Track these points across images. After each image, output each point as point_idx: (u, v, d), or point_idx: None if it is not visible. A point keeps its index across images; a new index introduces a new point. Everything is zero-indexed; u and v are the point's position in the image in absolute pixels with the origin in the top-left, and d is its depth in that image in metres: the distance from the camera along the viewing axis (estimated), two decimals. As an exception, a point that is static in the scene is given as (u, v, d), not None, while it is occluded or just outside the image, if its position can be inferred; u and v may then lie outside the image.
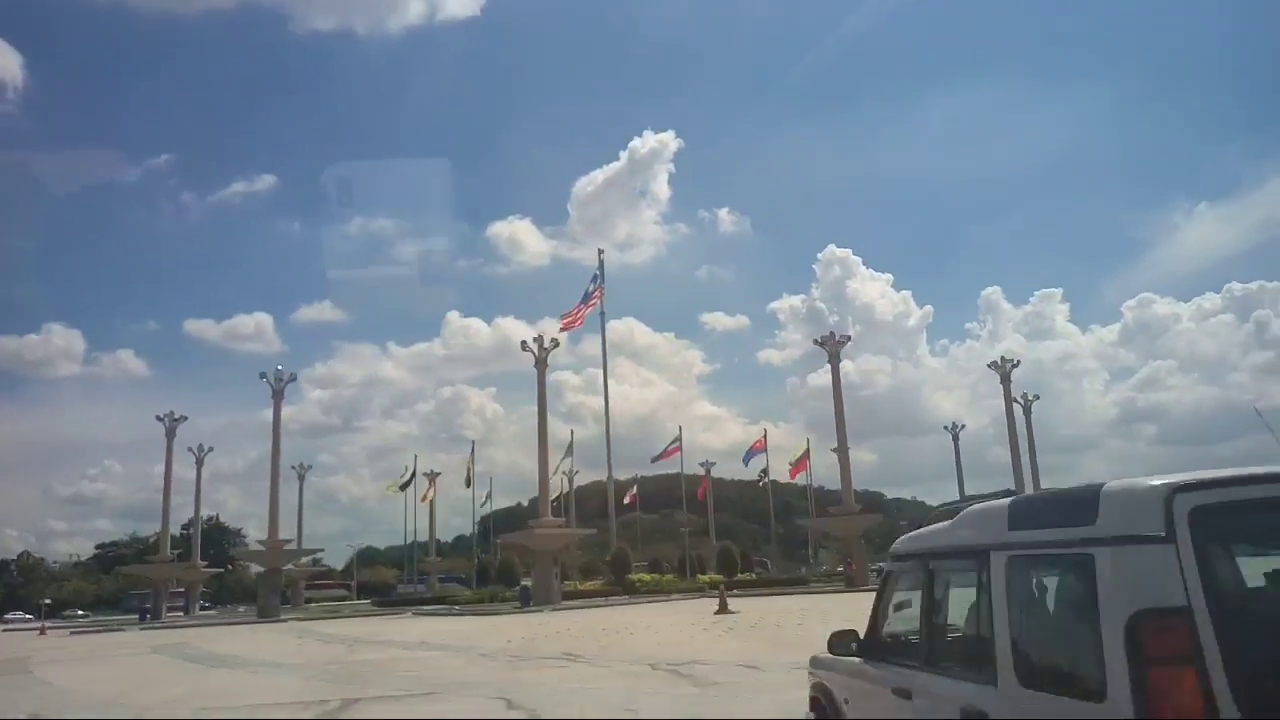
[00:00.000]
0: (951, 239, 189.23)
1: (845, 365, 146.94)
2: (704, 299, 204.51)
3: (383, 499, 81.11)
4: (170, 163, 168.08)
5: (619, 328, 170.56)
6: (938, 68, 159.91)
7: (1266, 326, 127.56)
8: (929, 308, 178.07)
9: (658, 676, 14.21)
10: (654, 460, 72.34)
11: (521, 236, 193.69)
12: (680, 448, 69.59)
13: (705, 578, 51.49)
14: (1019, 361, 59.14)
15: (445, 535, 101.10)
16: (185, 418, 59.19)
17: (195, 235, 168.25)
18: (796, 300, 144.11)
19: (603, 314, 50.20)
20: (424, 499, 73.78)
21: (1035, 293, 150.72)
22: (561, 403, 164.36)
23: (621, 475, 72.06)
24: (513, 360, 62.76)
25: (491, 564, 62.08)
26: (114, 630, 44.43)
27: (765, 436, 68.71)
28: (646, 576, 50.43)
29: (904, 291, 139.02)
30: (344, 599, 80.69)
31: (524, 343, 46.89)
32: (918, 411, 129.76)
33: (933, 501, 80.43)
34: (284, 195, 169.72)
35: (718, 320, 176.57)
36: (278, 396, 51.92)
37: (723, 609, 30.89)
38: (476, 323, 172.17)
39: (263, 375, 52.48)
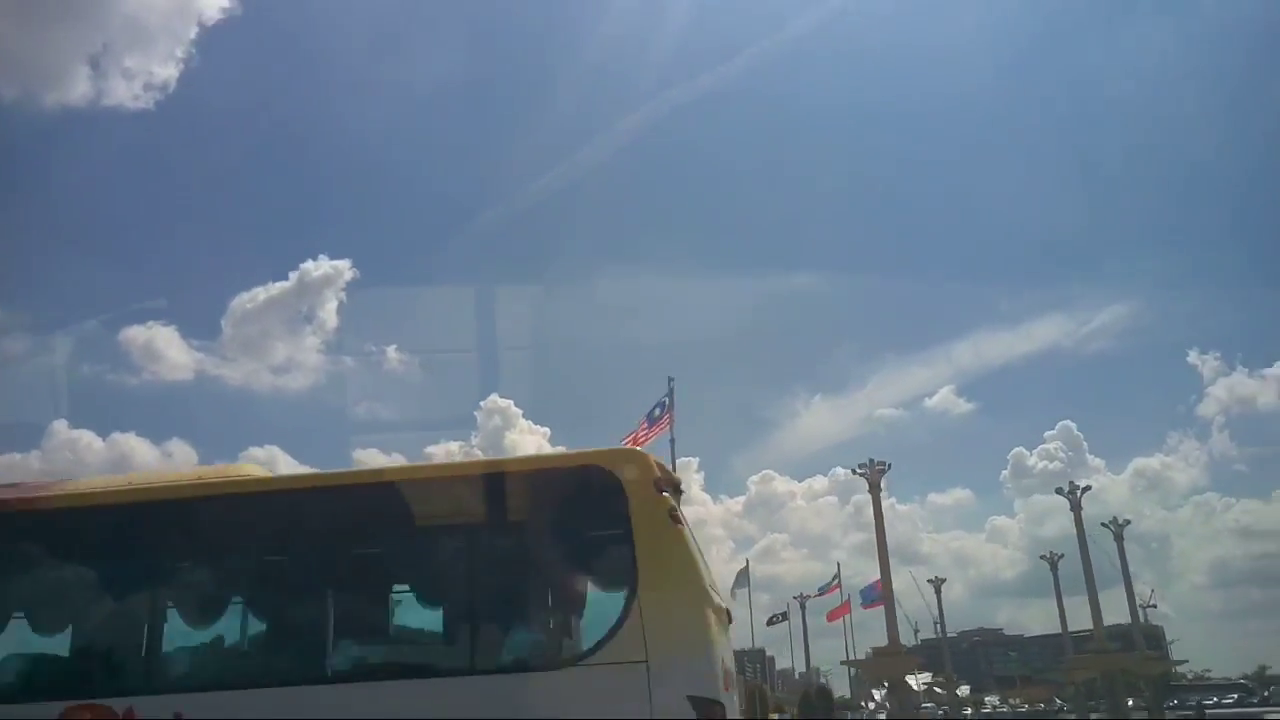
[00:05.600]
0: (607, 400, 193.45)
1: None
2: (360, 435, 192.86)
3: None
4: None
5: (260, 455, 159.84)
6: (614, 244, 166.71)
7: (862, 510, 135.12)
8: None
9: None
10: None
11: (161, 345, 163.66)
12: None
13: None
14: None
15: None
16: None
17: None
18: (455, 445, 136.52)
19: (672, 441, 46.98)
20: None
21: (675, 459, 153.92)
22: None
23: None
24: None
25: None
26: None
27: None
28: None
29: (559, 447, 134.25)
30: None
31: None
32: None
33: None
34: None
35: (371, 458, 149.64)
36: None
37: None
38: (88, 436, 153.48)
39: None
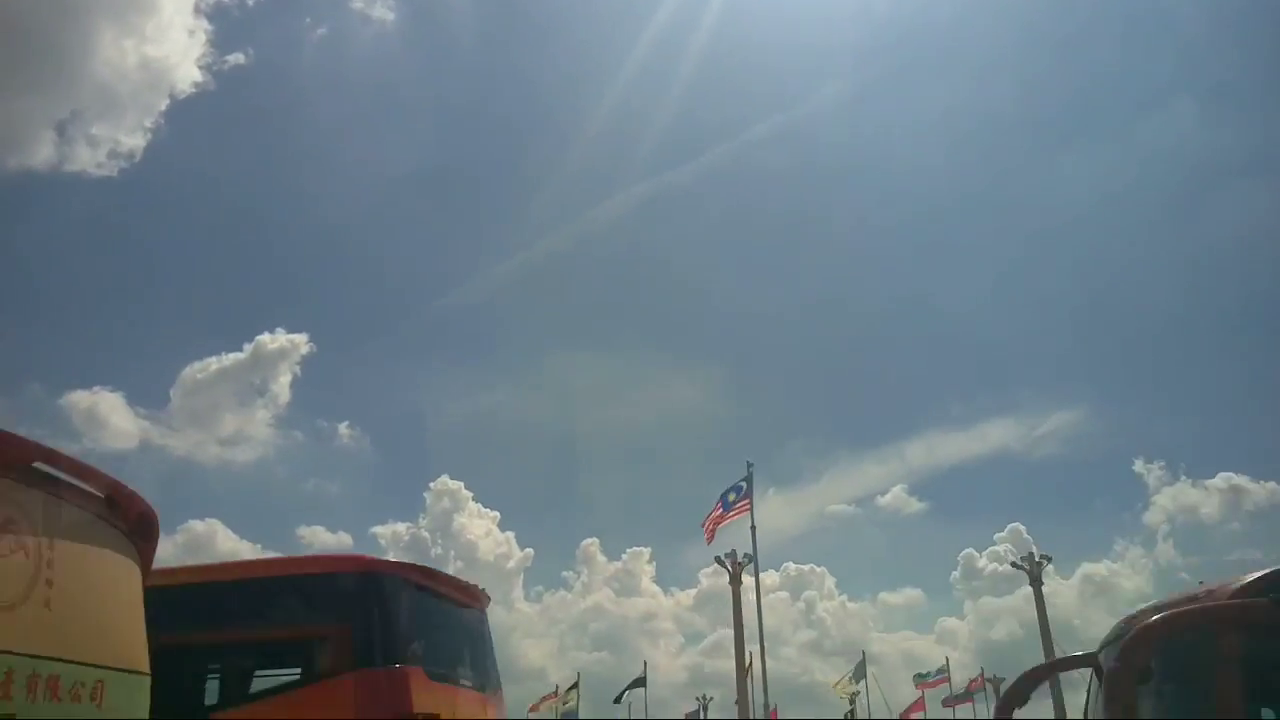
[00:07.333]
0: (562, 486, 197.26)
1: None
2: (306, 512, 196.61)
3: None
4: None
5: (201, 529, 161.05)
6: (573, 332, 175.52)
7: (813, 606, 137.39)
8: (530, 550, 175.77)
9: None
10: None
11: (106, 411, 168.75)
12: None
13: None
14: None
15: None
16: None
17: None
18: (401, 527, 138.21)
19: (753, 528, 42.18)
20: None
21: (627, 549, 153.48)
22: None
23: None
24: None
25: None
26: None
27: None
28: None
29: (508, 532, 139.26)
30: None
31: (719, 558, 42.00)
32: (506, 660, 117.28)
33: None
34: None
35: (315, 535, 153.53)
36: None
37: None
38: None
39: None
